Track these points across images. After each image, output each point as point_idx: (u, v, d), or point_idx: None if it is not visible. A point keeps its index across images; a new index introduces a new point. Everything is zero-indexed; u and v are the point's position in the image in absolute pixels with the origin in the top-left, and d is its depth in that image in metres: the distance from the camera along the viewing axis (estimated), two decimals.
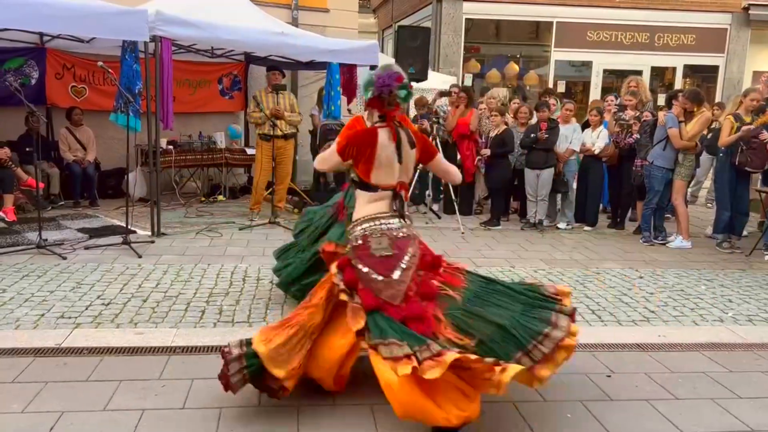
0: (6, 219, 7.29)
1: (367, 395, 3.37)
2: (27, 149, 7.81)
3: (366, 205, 3.42)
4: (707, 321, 4.97)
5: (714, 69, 15.61)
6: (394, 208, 3.41)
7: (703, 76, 15.84)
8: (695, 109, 7.39)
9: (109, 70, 6.22)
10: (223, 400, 3.32)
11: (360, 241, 3.33)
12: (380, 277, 3.21)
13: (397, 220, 3.39)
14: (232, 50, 9.42)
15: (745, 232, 7.77)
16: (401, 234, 3.36)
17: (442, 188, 9.25)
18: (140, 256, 6.06)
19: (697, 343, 4.48)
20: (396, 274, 3.23)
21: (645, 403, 3.52)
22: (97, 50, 8.45)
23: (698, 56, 15.48)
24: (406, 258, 3.31)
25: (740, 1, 14.96)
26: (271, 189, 8.18)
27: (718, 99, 14.12)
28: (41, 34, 8.48)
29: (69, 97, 9.17)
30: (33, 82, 8.79)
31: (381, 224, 3.35)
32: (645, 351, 4.29)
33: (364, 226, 3.36)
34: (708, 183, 10.45)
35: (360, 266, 3.25)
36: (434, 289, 3.28)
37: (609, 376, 3.85)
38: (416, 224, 7.86)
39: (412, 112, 9.65)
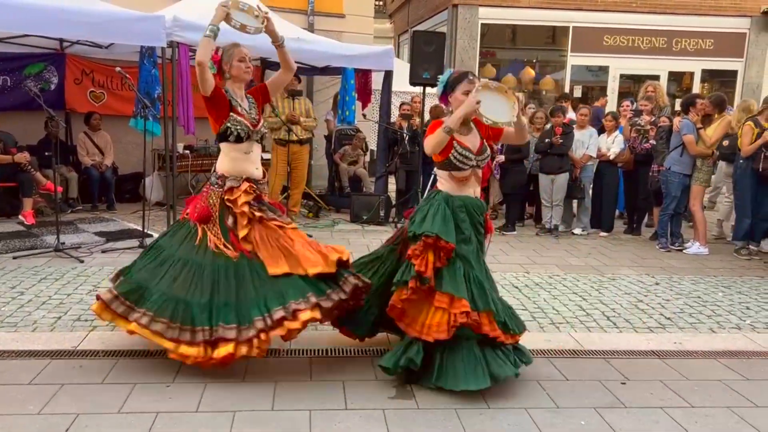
0: (25, 222, 7.39)
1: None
2: (46, 153, 7.91)
3: None
4: (724, 328, 4.91)
5: (733, 74, 15.45)
6: None
7: (721, 81, 15.68)
8: (716, 115, 7.32)
9: (127, 75, 6.29)
10: (236, 403, 3.34)
11: None
12: None
13: None
14: None
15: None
16: None
17: None
18: None
19: (714, 350, 4.44)
20: None
21: (660, 411, 3.49)
22: (116, 56, 8.56)
23: (717, 61, 15.33)
24: None
25: (759, 4, 14.81)
26: (286, 194, 8.21)
27: (736, 105, 13.97)
28: (61, 40, 8.59)
29: (87, 102, 9.29)
30: (52, 87, 8.93)
31: None
32: (660, 358, 4.25)
33: None
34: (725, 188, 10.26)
35: None
36: None
37: (623, 383, 3.82)
38: None
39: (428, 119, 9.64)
